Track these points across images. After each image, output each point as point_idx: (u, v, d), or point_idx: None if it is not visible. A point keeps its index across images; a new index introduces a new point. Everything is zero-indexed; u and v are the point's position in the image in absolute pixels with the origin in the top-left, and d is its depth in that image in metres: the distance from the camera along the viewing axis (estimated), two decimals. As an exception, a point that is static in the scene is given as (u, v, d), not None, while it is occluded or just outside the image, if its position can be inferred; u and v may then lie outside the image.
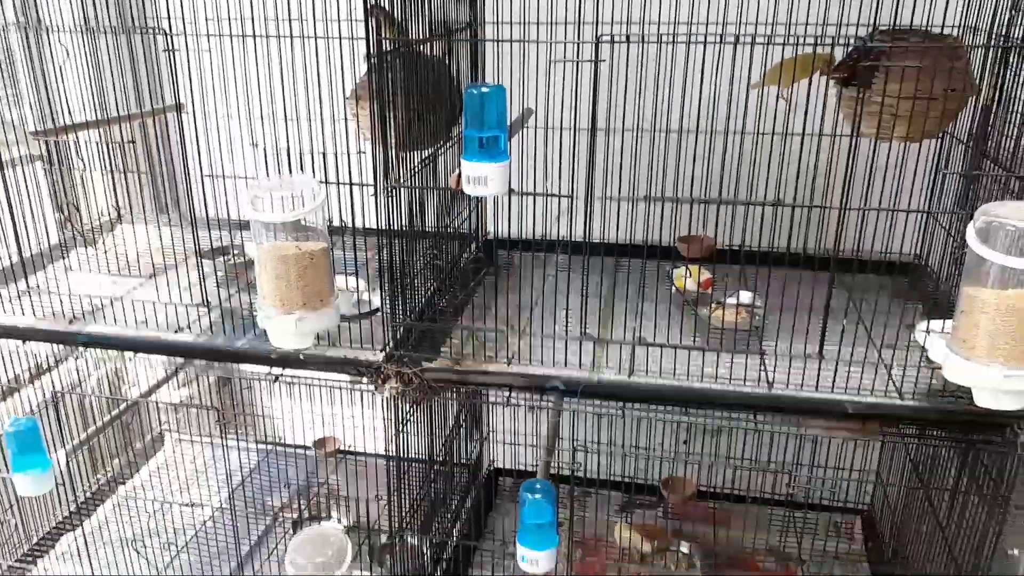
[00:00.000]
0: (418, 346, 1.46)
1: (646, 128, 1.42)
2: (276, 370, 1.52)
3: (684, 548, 1.99)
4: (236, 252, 1.82)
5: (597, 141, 1.30)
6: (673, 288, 1.68)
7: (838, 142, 1.49)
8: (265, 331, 1.33)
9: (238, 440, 2.42)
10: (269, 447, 2.42)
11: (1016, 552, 1.35)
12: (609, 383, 1.35)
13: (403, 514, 1.58)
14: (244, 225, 1.86)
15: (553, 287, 1.68)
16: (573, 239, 1.36)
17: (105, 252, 1.77)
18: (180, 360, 1.55)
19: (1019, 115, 1.47)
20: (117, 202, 1.74)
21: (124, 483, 2.24)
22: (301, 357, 1.45)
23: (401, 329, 1.43)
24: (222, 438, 2.01)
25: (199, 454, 2.40)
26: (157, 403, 2.46)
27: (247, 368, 2.57)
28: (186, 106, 1.45)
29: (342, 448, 2.34)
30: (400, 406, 1.48)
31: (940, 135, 1.65)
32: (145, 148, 1.98)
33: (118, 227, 1.95)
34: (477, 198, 1.81)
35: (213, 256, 1.79)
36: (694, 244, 1.66)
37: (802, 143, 1.30)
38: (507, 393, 1.44)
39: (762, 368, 1.34)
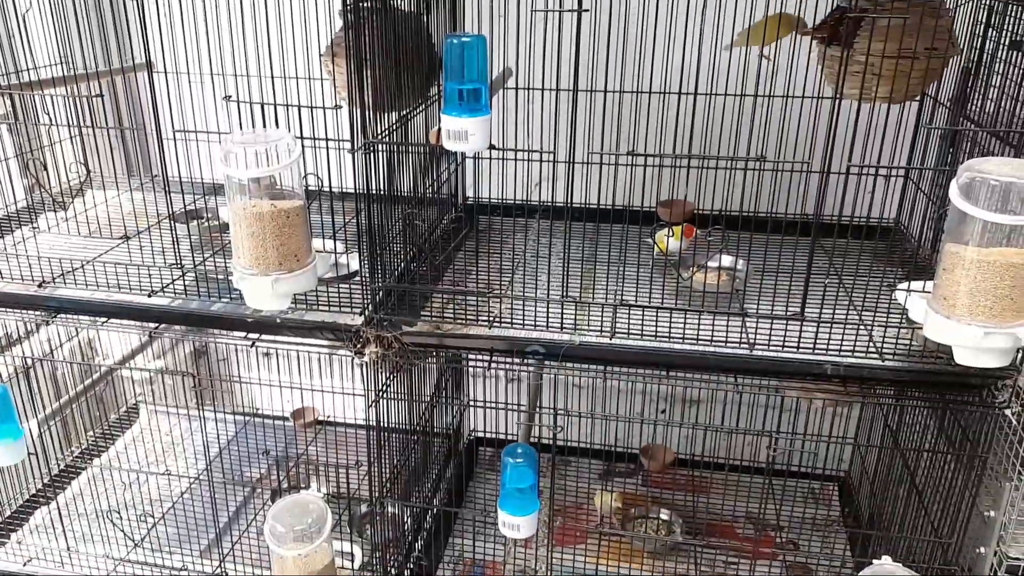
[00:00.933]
0: (397, 310, 1.44)
1: (627, 89, 1.40)
2: (253, 335, 1.49)
3: (663, 515, 1.99)
4: (209, 216, 1.79)
5: (578, 100, 1.27)
6: (655, 251, 1.66)
7: (819, 104, 1.49)
8: (241, 294, 1.31)
9: (215, 412, 2.39)
10: (246, 419, 2.39)
11: (992, 514, 1.36)
12: (591, 346, 1.34)
13: (383, 482, 1.57)
14: (218, 189, 1.84)
15: (534, 251, 1.66)
16: (553, 204, 1.35)
17: (76, 215, 1.72)
18: (154, 327, 1.50)
19: (999, 77, 1.47)
20: (86, 161, 1.69)
21: (99, 455, 2.21)
22: (278, 321, 1.42)
23: (380, 292, 1.41)
24: (199, 409, 1.98)
25: (175, 425, 2.37)
26: (132, 374, 2.42)
27: (223, 341, 2.54)
28: (156, 64, 1.40)
29: (320, 419, 2.32)
30: (380, 372, 1.46)
31: (921, 97, 1.65)
32: (114, 106, 1.93)
33: (88, 191, 1.91)
34: (457, 161, 1.79)
35: (187, 219, 1.75)
36: (675, 208, 1.65)
37: (784, 105, 1.29)
38: (487, 358, 1.42)
39: (743, 330, 1.34)
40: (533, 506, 1.42)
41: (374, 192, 1.32)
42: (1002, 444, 1.32)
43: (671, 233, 1.63)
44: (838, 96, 1.22)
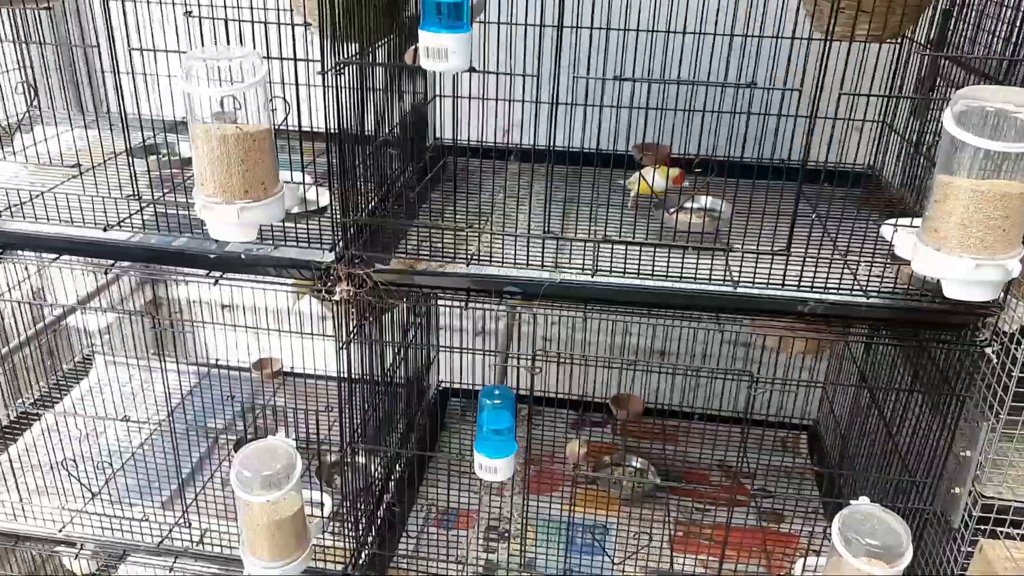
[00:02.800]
0: (370, 247, 1.38)
1: (613, 26, 1.35)
2: (216, 274, 1.42)
3: (637, 463, 1.98)
4: (169, 151, 1.70)
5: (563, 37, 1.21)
6: (631, 193, 1.62)
7: (800, 45, 1.45)
8: (203, 230, 1.24)
9: (176, 362, 2.31)
10: (207, 369, 2.32)
11: (967, 454, 1.36)
12: (572, 283, 1.30)
13: (354, 429, 1.52)
14: (179, 127, 1.74)
15: (512, 192, 1.61)
16: (535, 146, 1.30)
17: (24, 148, 1.62)
18: (109, 264, 1.43)
19: (978, 15, 1.45)
20: (35, 86, 1.57)
21: (52, 407, 2.12)
22: (243, 257, 1.36)
23: (352, 228, 1.35)
24: (160, 359, 1.90)
25: (132, 376, 2.28)
26: (86, 323, 2.33)
27: (186, 279, 2.45)
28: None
29: (284, 370, 2.26)
30: (351, 312, 1.40)
31: (899, 39, 1.63)
32: (66, 26, 1.80)
33: (37, 126, 1.80)
34: (429, 96, 1.72)
35: (144, 154, 1.66)
36: (650, 152, 1.61)
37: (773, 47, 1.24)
38: (464, 298, 1.37)
39: (727, 268, 1.31)
40: (510, 448, 1.39)
41: (345, 119, 1.25)
42: (979, 384, 1.32)
43: (656, 173, 1.59)
44: (829, 36, 1.18)
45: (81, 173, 1.56)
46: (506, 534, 1.80)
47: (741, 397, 2.06)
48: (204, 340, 2.39)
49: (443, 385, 2.26)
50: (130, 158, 1.46)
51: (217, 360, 2.34)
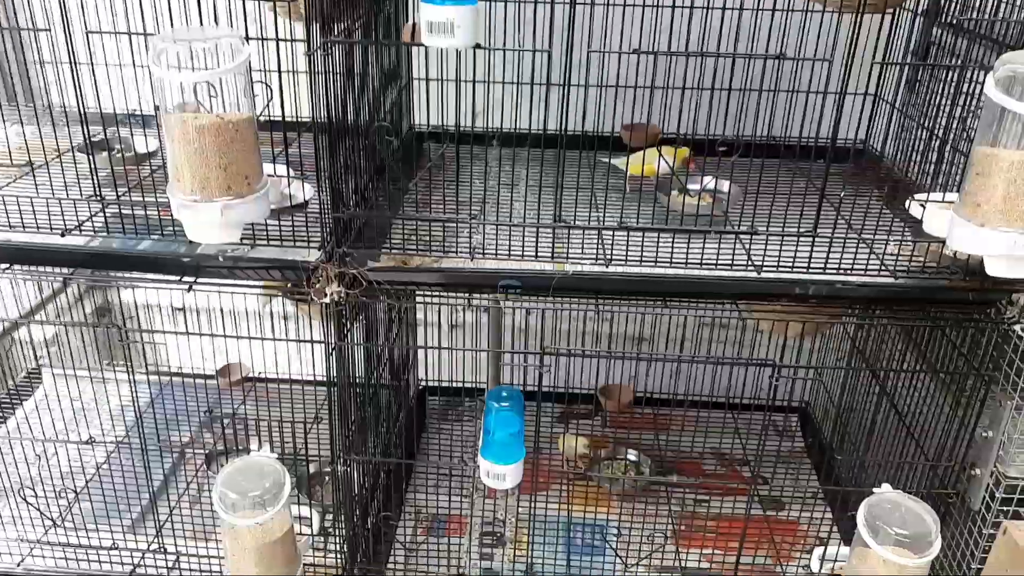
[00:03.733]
0: (358, 243, 1.27)
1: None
2: (189, 279, 1.29)
3: (631, 455, 1.91)
4: (123, 147, 1.55)
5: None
6: (627, 175, 1.54)
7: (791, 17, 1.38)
8: (173, 231, 1.11)
9: (131, 372, 2.15)
10: (170, 379, 2.16)
11: (989, 434, 1.32)
12: (583, 275, 1.21)
13: (347, 438, 1.41)
14: (130, 119, 1.59)
15: (506, 180, 1.51)
16: (528, 129, 1.20)
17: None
18: (68, 273, 1.29)
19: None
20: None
21: (-3, 426, 1.95)
22: (221, 260, 1.23)
23: (341, 224, 1.23)
24: (128, 369, 1.75)
25: (84, 390, 2.11)
26: (29, 335, 2.15)
27: (135, 295, 2.29)
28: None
29: (250, 375, 2.13)
30: (340, 316, 1.29)
31: (893, 10, 1.57)
32: None
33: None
34: (403, 82, 1.61)
35: (91, 151, 1.50)
36: (639, 132, 1.52)
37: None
38: (466, 294, 1.27)
39: (749, 253, 1.23)
40: (519, 453, 1.30)
41: (332, 104, 1.14)
42: (1002, 362, 1.28)
43: (661, 157, 1.51)
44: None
45: (33, 171, 1.40)
46: (503, 538, 1.71)
47: (735, 382, 2.00)
48: (162, 348, 2.23)
49: (422, 383, 2.15)
50: (90, 154, 1.32)
51: (180, 368, 2.19)
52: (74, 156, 1.35)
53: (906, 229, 1.26)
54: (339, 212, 1.19)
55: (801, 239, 1.21)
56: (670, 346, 2.16)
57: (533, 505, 1.63)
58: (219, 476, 1.30)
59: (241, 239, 1.21)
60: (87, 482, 1.76)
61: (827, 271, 1.19)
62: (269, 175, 1.15)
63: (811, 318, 1.28)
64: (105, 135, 1.52)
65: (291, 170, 1.33)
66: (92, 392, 2.11)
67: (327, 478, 1.75)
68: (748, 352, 2.05)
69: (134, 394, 1.59)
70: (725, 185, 1.45)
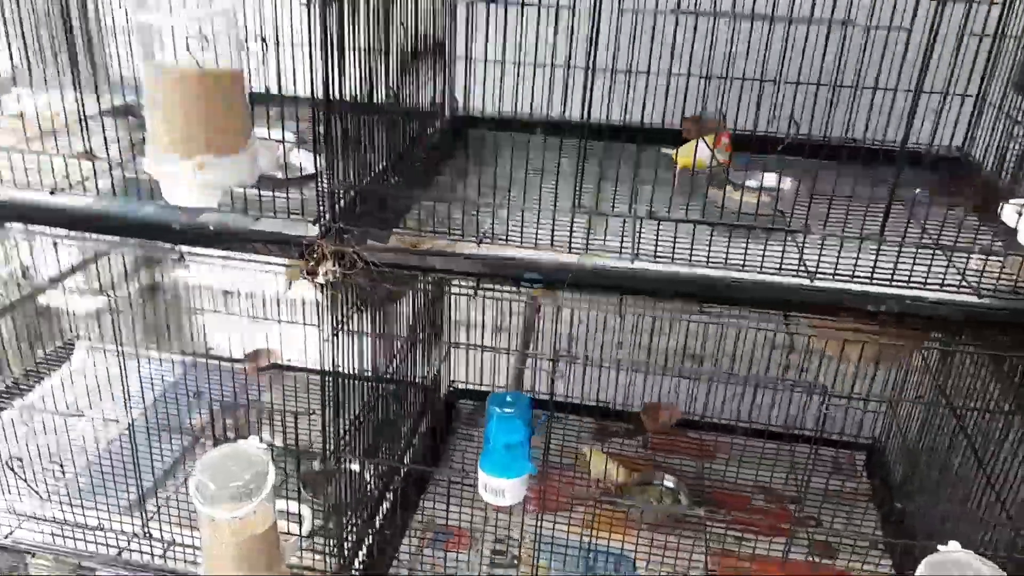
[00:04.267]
0: (362, 221, 1.15)
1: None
2: (182, 248, 1.20)
3: (668, 483, 1.74)
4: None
5: None
6: (677, 168, 1.38)
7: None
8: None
9: (159, 352, 2.10)
10: (195, 360, 2.10)
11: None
12: (606, 270, 1.06)
13: (341, 433, 1.29)
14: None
15: (537, 166, 1.37)
16: (564, 115, 1.07)
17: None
18: (64, 234, 1.21)
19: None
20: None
21: (23, 396, 1.92)
22: (211, 228, 1.13)
23: (342, 197, 1.12)
24: (136, 347, 1.68)
25: (112, 366, 2.07)
26: (69, 307, 2.12)
27: (184, 274, 2.24)
28: None
29: (276, 362, 2.05)
30: (339, 300, 1.17)
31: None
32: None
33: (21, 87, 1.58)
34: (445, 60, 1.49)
35: (114, 115, 1.44)
36: (704, 126, 1.37)
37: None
38: (474, 284, 1.14)
39: (801, 256, 1.06)
40: (523, 467, 1.16)
41: (336, 62, 1.02)
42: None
43: (698, 146, 1.35)
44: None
45: (53, 133, 1.32)
46: (513, 560, 1.57)
47: (792, 410, 1.81)
48: (199, 329, 2.17)
49: (455, 386, 2.02)
50: (81, 110, 1.23)
51: (210, 349, 2.12)
52: (80, 112, 1.27)
53: (997, 240, 1.06)
54: (334, 184, 1.07)
55: (865, 245, 1.03)
56: (722, 364, 1.97)
57: (539, 525, 1.48)
58: (197, 463, 1.20)
59: (235, 206, 1.12)
60: (88, 460, 1.70)
61: (894, 283, 1.01)
62: (262, 139, 1.04)
63: (871, 339, 1.09)
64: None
65: (299, 137, 1.23)
66: (122, 369, 2.07)
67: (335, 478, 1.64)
68: (817, 380, 1.84)
69: (152, 374, 1.50)
70: (786, 182, 1.27)
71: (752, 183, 1.29)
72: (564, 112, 1.08)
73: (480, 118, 1.58)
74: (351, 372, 1.22)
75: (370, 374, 1.36)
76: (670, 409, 1.87)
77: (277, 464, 1.23)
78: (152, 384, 2.04)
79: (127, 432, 1.80)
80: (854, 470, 1.87)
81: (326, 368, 1.19)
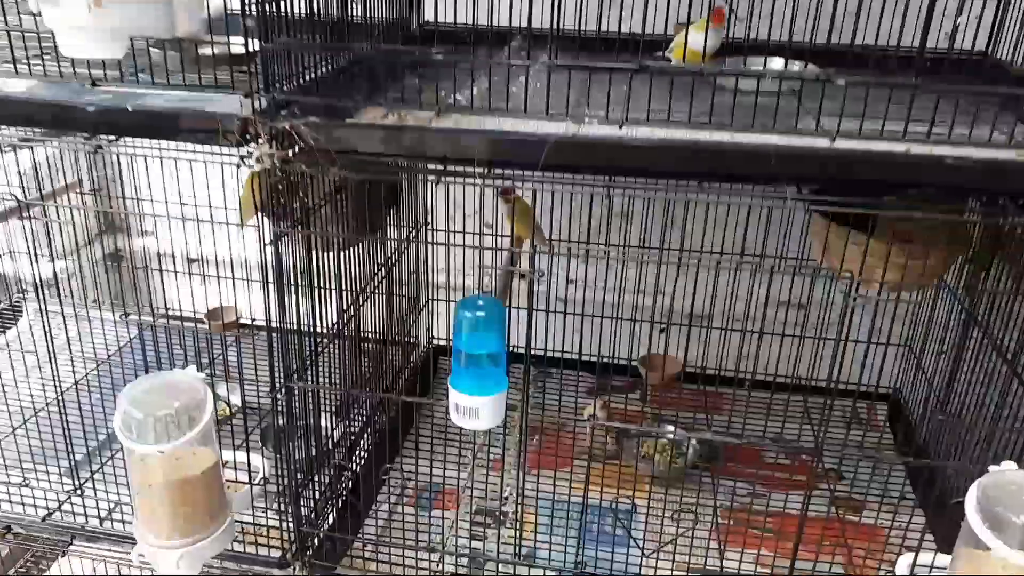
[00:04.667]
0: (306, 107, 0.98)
1: None
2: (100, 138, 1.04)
3: (670, 433, 1.56)
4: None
5: None
6: (673, 62, 1.22)
7: None
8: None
9: (118, 312, 1.93)
10: (154, 320, 1.93)
11: None
12: (593, 139, 0.89)
13: (295, 359, 1.13)
14: None
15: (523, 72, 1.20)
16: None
17: None
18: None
19: None
20: None
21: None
22: (128, 109, 0.97)
23: (274, 60, 0.94)
24: (103, 307, 1.51)
25: (63, 326, 1.90)
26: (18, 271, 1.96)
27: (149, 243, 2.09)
28: None
29: (242, 320, 1.88)
30: (278, 190, 1.00)
31: None
32: None
33: None
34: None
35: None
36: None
37: None
38: (439, 167, 0.97)
39: (818, 119, 0.89)
40: (498, 384, 0.99)
41: None
42: None
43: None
44: None
45: None
46: (500, 517, 1.40)
47: (802, 362, 1.62)
48: (158, 288, 2.01)
49: (435, 342, 1.86)
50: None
51: (170, 311, 1.95)
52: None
53: None
54: (269, 41, 0.91)
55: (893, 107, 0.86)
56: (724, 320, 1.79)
57: (521, 479, 1.31)
58: (123, 392, 1.03)
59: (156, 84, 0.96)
60: (24, 421, 1.53)
61: (931, 138, 0.84)
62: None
63: (909, 216, 0.91)
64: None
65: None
66: (75, 329, 1.90)
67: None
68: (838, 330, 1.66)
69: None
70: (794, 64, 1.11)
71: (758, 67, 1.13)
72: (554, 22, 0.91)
73: (452, 31, 1.42)
74: (294, 281, 1.06)
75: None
76: (671, 360, 1.71)
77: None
78: (107, 345, 1.87)
79: (73, 393, 1.63)
80: (876, 422, 1.70)
81: (264, 276, 1.02)
